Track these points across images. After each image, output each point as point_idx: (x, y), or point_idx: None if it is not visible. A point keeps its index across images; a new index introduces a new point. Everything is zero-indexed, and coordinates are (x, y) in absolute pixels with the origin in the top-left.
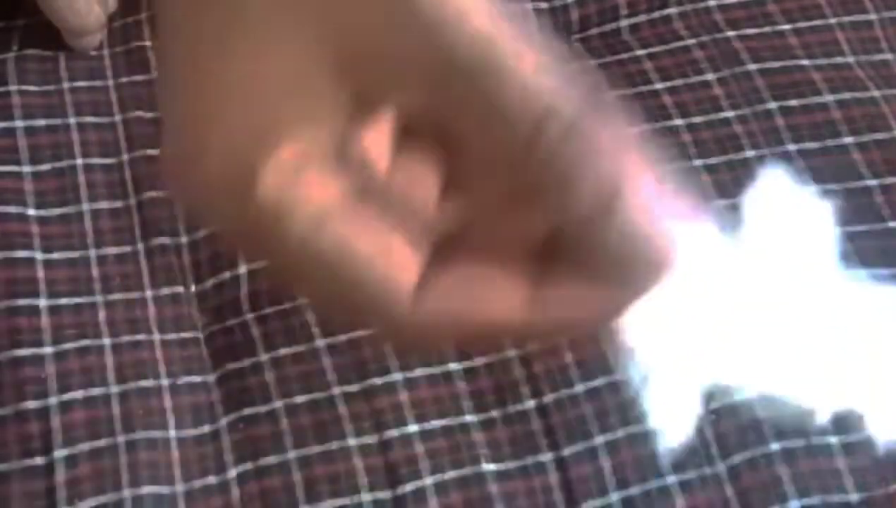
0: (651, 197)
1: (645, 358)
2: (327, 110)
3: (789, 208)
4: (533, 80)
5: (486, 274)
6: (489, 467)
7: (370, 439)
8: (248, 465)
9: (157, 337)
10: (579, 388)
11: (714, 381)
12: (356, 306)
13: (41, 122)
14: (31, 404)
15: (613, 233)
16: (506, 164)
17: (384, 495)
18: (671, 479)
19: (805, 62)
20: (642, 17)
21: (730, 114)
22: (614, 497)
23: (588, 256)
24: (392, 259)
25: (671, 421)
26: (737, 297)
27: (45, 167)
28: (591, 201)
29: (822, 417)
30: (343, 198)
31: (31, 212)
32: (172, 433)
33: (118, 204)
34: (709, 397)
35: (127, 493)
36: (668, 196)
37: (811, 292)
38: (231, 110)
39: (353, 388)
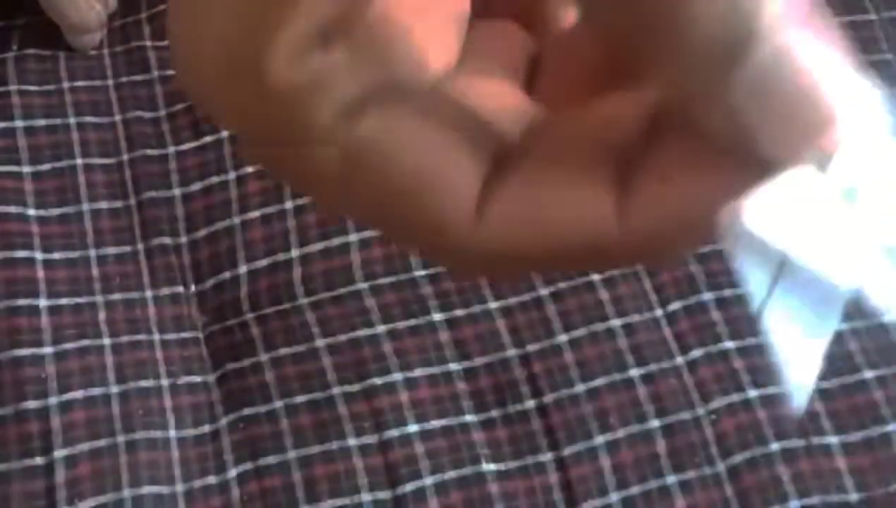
0: (805, 36)
1: (774, 262)
2: None
3: None
4: None
5: (563, 176)
6: (489, 467)
7: (370, 439)
8: (248, 465)
9: (157, 337)
10: (579, 388)
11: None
12: (401, 220)
13: (41, 122)
14: (31, 404)
15: (750, 85)
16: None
17: (384, 495)
18: (671, 479)
19: None
20: None
21: None
22: (614, 497)
23: (707, 127)
24: (449, 160)
25: (802, 348)
26: None
27: (44, 167)
28: (717, 43)
29: None
30: (381, 86)
31: (31, 212)
32: (172, 433)
33: (118, 204)
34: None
35: (127, 493)
36: (824, 37)
37: None
38: None
39: (353, 388)
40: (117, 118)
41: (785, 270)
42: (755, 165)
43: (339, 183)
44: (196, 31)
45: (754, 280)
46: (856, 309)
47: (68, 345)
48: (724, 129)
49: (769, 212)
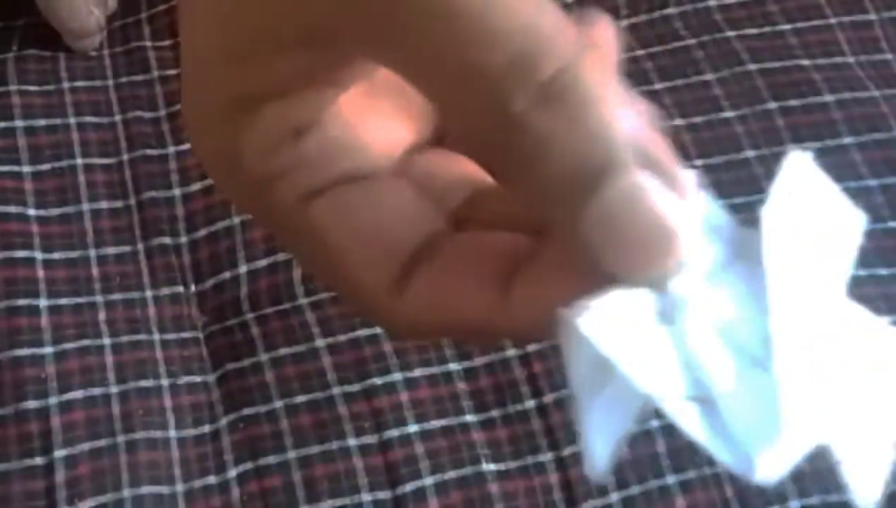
0: (655, 175)
1: (593, 362)
2: (292, 65)
3: (814, 209)
4: (511, 11)
5: (461, 267)
6: (489, 467)
7: (370, 439)
8: (248, 465)
9: (157, 337)
10: None
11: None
12: (338, 288)
13: (41, 122)
14: (31, 404)
15: (598, 217)
16: (472, 131)
17: (384, 495)
18: (671, 479)
19: (805, 62)
20: (642, 17)
21: (730, 114)
22: (614, 497)
23: (566, 243)
24: (374, 249)
25: (595, 443)
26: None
27: (45, 167)
28: (570, 182)
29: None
30: (336, 177)
31: (31, 211)
32: (172, 433)
33: (118, 204)
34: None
35: (127, 493)
36: (677, 174)
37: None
38: (203, 73)
39: (353, 388)
40: (117, 118)
41: (603, 371)
42: (603, 279)
43: (294, 248)
44: (196, 124)
45: (574, 375)
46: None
47: (68, 345)
48: (576, 249)
49: (600, 318)
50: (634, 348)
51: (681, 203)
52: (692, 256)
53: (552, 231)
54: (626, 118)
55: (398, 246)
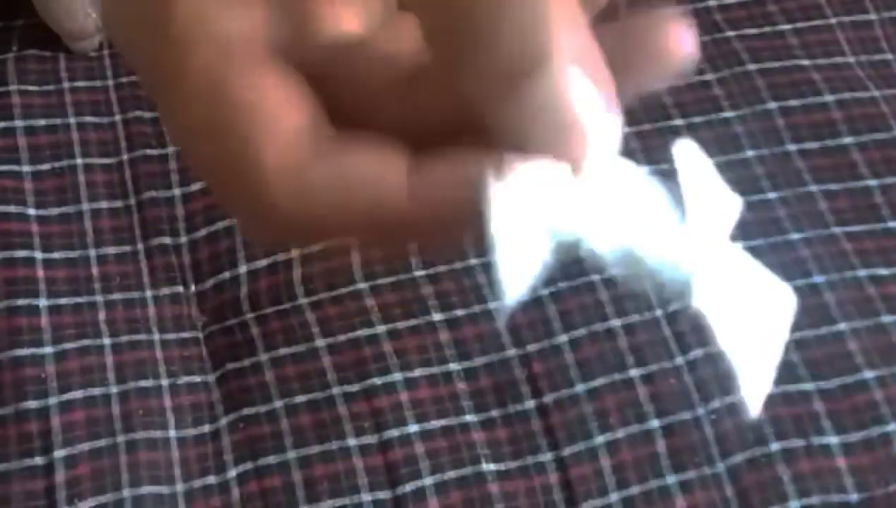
0: (582, 80)
1: (515, 211)
2: None
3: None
4: None
5: (370, 148)
6: (489, 467)
7: (370, 439)
8: (248, 465)
9: (157, 336)
10: (579, 388)
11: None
12: (220, 174)
13: (41, 122)
14: (31, 404)
15: (527, 102)
16: (431, 20)
17: (384, 495)
18: (671, 479)
19: (805, 62)
20: None
21: (730, 114)
22: (614, 497)
23: (493, 126)
24: (270, 121)
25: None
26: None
27: (44, 167)
28: (505, 67)
29: None
30: (289, 41)
31: (31, 211)
32: (172, 433)
33: (118, 203)
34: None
35: (127, 493)
36: (606, 81)
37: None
38: None
39: (353, 388)
40: (117, 118)
41: (523, 218)
42: (522, 161)
43: (196, 130)
44: None
45: (495, 223)
46: None
47: (68, 345)
48: (501, 133)
49: (525, 174)
50: (554, 197)
51: (603, 105)
52: (610, 152)
53: (481, 118)
54: (568, 24)
55: (306, 122)
